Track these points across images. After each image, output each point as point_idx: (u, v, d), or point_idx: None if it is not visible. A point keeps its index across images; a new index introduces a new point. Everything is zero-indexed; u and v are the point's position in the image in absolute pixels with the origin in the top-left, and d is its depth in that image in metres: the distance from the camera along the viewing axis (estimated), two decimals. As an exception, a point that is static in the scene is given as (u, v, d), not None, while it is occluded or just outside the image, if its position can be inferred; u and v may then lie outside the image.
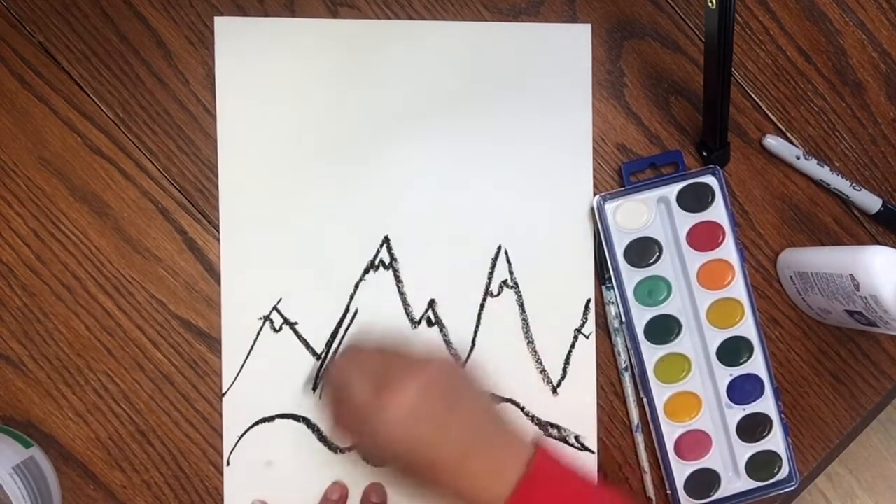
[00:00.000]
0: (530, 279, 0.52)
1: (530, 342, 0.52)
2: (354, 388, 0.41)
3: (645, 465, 0.52)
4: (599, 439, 0.52)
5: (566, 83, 0.52)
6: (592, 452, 0.52)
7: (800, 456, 0.54)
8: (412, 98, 0.51)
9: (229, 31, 0.50)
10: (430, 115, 0.51)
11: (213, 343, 0.50)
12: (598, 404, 0.52)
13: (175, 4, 0.50)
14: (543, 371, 0.52)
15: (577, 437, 0.52)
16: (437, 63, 0.51)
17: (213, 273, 0.50)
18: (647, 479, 0.52)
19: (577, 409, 0.52)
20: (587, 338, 0.52)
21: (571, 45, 0.52)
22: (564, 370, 0.52)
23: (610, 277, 0.51)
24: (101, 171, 0.50)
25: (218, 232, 0.50)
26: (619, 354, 0.52)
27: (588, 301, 0.52)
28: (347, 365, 0.43)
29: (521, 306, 0.52)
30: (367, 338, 0.45)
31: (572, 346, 0.52)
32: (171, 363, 0.50)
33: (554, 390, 0.52)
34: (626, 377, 0.52)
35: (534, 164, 0.52)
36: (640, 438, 0.52)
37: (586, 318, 0.52)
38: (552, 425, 0.52)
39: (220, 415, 0.50)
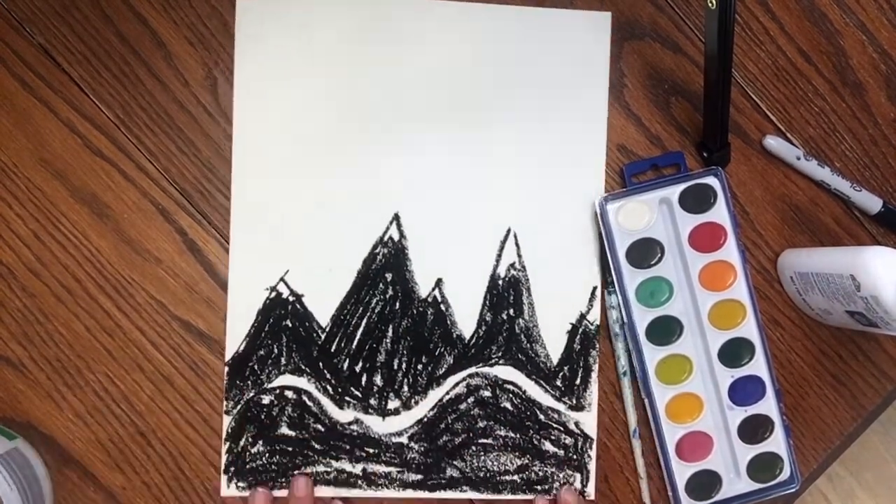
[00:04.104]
0: (538, 263, 0.52)
1: (535, 325, 0.52)
2: None
3: (642, 471, 0.52)
4: (599, 439, 0.52)
5: (584, 70, 0.52)
6: (592, 439, 0.52)
7: (801, 457, 0.54)
8: (429, 78, 0.51)
9: (250, 14, 0.50)
10: (447, 96, 0.51)
11: (214, 344, 0.50)
12: (600, 406, 0.52)
13: (175, 5, 0.50)
14: (547, 356, 0.52)
15: (576, 423, 0.52)
16: (455, 44, 0.51)
17: (214, 274, 0.50)
18: (644, 485, 0.52)
19: (579, 393, 0.52)
20: (591, 323, 0.52)
21: (591, 32, 0.52)
22: (568, 355, 0.52)
23: (612, 281, 0.51)
24: (101, 172, 0.50)
25: (218, 233, 0.50)
26: (619, 359, 0.52)
27: (594, 288, 0.52)
28: None
29: (528, 290, 0.52)
30: None
31: (577, 331, 0.52)
32: (171, 364, 0.50)
33: (556, 375, 0.52)
34: (626, 381, 0.52)
35: (547, 148, 0.52)
36: (637, 444, 0.52)
37: (592, 305, 0.52)
38: (553, 410, 0.52)
39: (221, 416, 0.50)
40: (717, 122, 0.50)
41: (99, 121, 0.50)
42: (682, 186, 0.51)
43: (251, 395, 0.50)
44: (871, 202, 0.53)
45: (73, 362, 0.49)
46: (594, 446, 0.52)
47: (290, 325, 0.50)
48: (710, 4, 0.44)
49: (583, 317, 0.52)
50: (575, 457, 0.52)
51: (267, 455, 0.50)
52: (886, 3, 0.54)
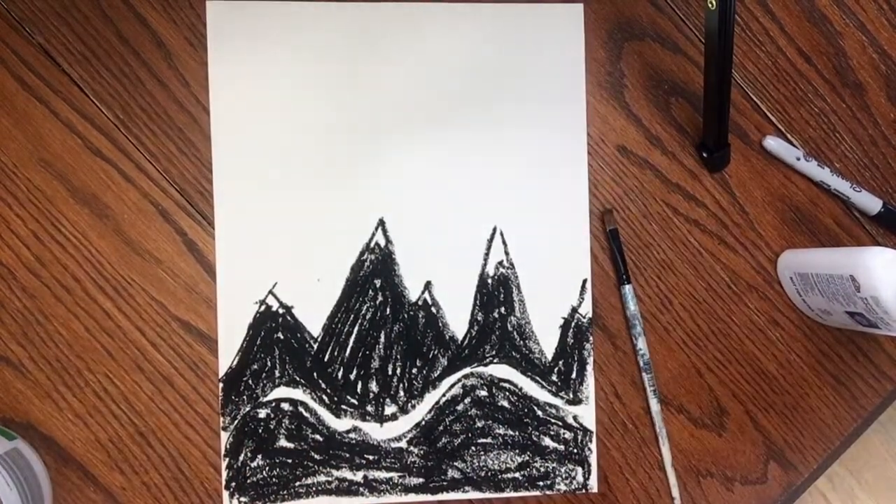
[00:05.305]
0: (526, 259, 0.52)
1: (527, 322, 0.52)
2: None
3: (670, 470, 0.52)
4: (598, 438, 0.52)
5: (560, 65, 0.52)
6: (591, 432, 0.52)
7: (800, 457, 0.54)
8: (407, 80, 0.51)
9: (222, 17, 0.50)
10: (425, 98, 0.51)
11: (213, 344, 0.50)
12: (598, 405, 0.52)
13: (175, 6, 0.50)
14: (541, 351, 0.52)
15: (575, 417, 0.52)
16: (432, 46, 0.51)
17: (213, 274, 0.50)
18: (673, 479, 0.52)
19: (576, 387, 0.52)
20: (584, 316, 0.52)
21: (564, 25, 0.52)
22: (562, 349, 0.52)
23: (628, 275, 0.51)
24: (101, 172, 0.50)
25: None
26: (641, 353, 0.52)
27: (584, 281, 0.52)
28: None
29: (518, 287, 0.52)
30: None
31: (570, 325, 0.52)
32: (171, 365, 0.50)
33: (551, 370, 0.52)
34: (647, 378, 0.52)
35: (528, 145, 0.52)
36: (665, 447, 0.52)
37: (583, 298, 0.52)
38: (550, 405, 0.52)
39: (220, 416, 0.50)
40: (716, 122, 0.50)
41: (99, 121, 0.50)
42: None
43: (247, 409, 0.50)
44: (871, 202, 0.53)
45: (73, 362, 0.49)
46: (594, 439, 0.52)
47: (282, 337, 0.50)
48: (710, 4, 0.44)
49: (574, 310, 0.52)
50: (575, 451, 0.52)
51: (267, 468, 0.50)
52: (886, 3, 0.54)
